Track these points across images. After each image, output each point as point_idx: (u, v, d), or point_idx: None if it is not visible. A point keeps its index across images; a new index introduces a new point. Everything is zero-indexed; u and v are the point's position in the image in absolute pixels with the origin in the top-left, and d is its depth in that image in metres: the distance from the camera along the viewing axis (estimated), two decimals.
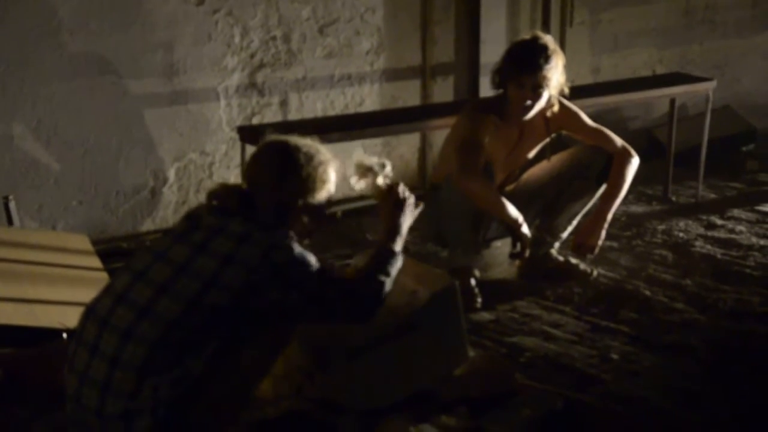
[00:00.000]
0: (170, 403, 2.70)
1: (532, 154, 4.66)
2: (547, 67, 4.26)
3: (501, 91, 4.44)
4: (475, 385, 3.53)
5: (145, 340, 2.70)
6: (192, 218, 2.95)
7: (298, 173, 2.97)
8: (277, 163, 2.98)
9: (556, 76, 4.31)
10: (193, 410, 2.74)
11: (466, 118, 4.46)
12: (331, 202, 3.14)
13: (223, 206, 2.93)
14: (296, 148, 3.00)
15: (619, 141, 4.59)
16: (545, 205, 4.66)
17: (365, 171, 3.26)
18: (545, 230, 4.70)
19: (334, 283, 2.94)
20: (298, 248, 2.85)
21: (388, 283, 3.04)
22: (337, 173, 3.09)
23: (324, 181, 3.03)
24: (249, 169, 3.07)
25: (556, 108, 4.48)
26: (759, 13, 7.43)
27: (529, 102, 4.32)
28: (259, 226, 2.84)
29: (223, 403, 2.82)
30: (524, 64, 4.29)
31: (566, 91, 4.45)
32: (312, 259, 2.88)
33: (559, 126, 4.58)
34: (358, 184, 3.23)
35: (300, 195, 2.99)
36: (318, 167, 3.01)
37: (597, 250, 4.55)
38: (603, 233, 4.51)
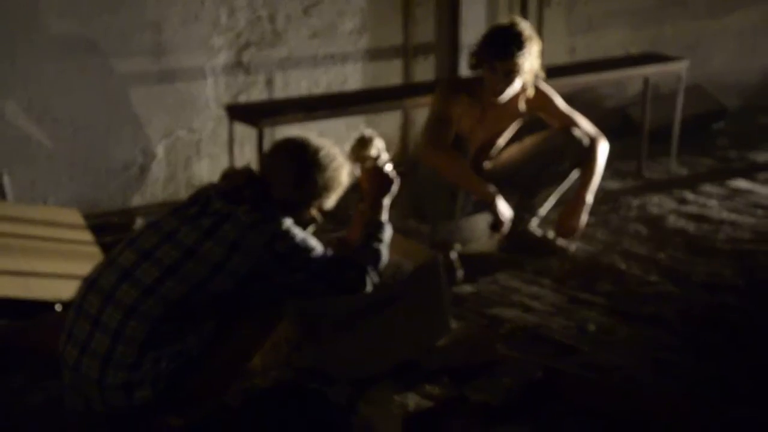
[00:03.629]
0: (169, 375, 2.71)
1: (508, 134, 4.65)
2: (520, 53, 4.23)
3: (478, 71, 4.43)
4: (457, 355, 3.54)
5: (149, 317, 2.71)
6: (199, 200, 2.93)
7: (316, 178, 2.99)
8: (297, 165, 2.98)
9: (529, 62, 4.29)
10: (189, 382, 2.74)
11: (437, 95, 4.46)
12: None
13: (233, 192, 2.91)
14: (316, 151, 3.00)
15: (590, 126, 4.59)
16: (522, 185, 4.65)
17: (363, 155, 3.27)
18: (523, 208, 4.70)
19: (336, 260, 2.98)
20: (299, 235, 2.88)
21: (384, 250, 3.11)
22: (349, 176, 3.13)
23: (339, 185, 3.07)
24: (268, 162, 3.06)
25: (530, 92, 4.48)
26: None
27: (500, 86, 4.32)
28: (264, 216, 2.84)
29: (217, 376, 2.81)
30: (498, 49, 4.27)
31: (541, 75, 4.44)
32: (313, 243, 2.91)
33: (534, 108, 4.57)
34: (355, 169, 3.24)
35: (316, 197, 3.02)
36: (335, 172, 3.03)
37: (579, 233, 4.55)
38: (584, 216, 4.51)
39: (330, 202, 3.08)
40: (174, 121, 5.20)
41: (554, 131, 4.60)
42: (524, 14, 6.25)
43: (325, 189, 3.02)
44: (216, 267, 2.76)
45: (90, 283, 2.84)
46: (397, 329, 3.45)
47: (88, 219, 4.62)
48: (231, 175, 2.99)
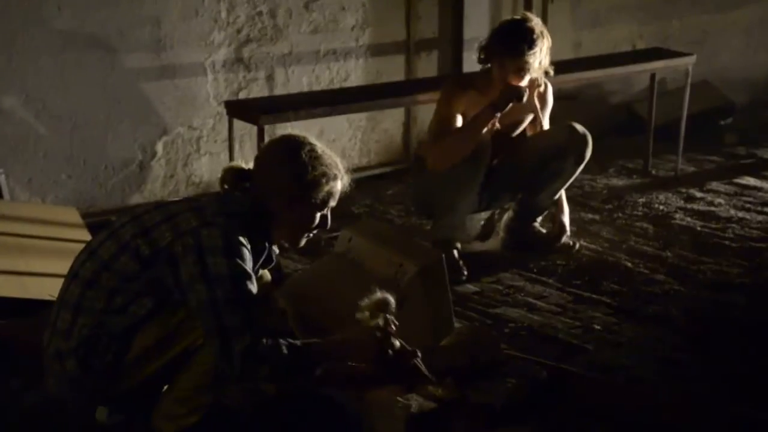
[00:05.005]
0: (90, 347, 2.69)
1: (521, 128, 4.62)
2: (530, 52, 4.24)
3: (487, 66, 4.43)
4: (460, 355, 3.52)
5: (83, 280, 2.74)
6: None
7: (305, 180, 2.88)
8: (288, 166, 2.89)
9: (539, 59, 4.29)
10: (113, 359, 2.71)
11: (442, 94, 4.46)
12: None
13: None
14: (312, 149, 2.91)
15: None
16: (525, 184, 4.63)
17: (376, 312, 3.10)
18: (527, 205, 4.68)
19: (242, 312, 2.69)
20: (230, 239, 2.72)
21: (280, 370, 2.75)
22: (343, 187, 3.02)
23: (331, 195, 2.97)
24: (260, 159, 2.98)
25: (542, 88, 4.48)
26: None
27: (509, 81, 4.31)
28: (216, 203, 2.80)
29: (146, 358, 2.75)
30: (508, 46, 4.27)
31: (551, 72, 4.44)
32: (244, 282, 2.71)
33: (539, 105, 4.58)
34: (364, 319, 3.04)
35: (303, 200, 2.91)
36: (330, 181, 2.93)
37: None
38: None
39: (319, 209, 2.97)
40: (173, 117, 5.19)
41: (558, 126, 4.59)
42: (528, 9, 6.23)
43: (311, 191, 2.91)
44: (143, 231, 2.75)
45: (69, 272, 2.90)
46: (400, 329, 3.44)
47: (86, 217, 4.61)
48: (224, 176, 2.95)
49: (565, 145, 4.52)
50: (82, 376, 2.71)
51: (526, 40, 4.23)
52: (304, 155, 2.88)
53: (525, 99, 4.33)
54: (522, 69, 4.27)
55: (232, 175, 2.93)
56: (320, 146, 2.95)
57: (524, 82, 4.32)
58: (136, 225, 2.77)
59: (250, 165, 2.98)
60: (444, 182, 4.34)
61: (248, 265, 2.73)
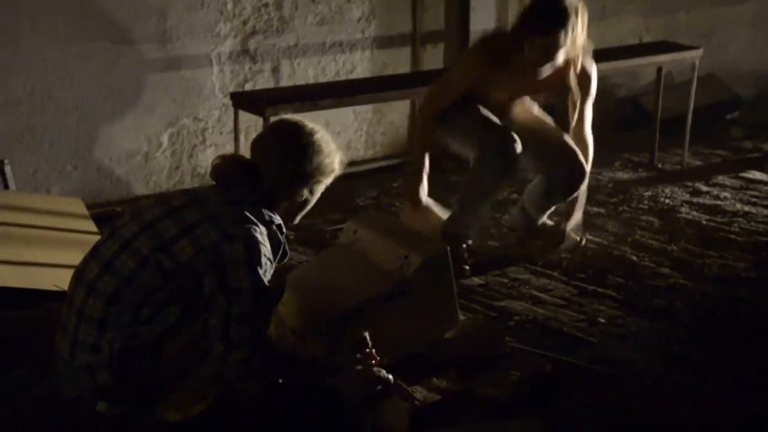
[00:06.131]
0: (125, 360, 2.68)
1: (544, 99, 4.61)
2: (562, 30, 4.10)
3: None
4: (465, 348, 3.54)
5: (104, 294, 2.71)
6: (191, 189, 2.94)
7: (306, 159, 2.89)
8: (288, 146, 2.90)
9: (570, 38, 4.15)
10: (141, 367, 2.70)
11: (466, 60, 4.47)
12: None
13: (223, 181, 2.88)
14: (311, 133, 2.92)
15: (589, 130, 4.56)
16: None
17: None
18: (534, 209, 4.65)
19: (250, 326, 2.72)
20: (253, 251, 2.71)
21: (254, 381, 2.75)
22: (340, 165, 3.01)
23: (332, 171, 2.97)
24: (258, 144, 2.97)
25: (578, 68, 4.38)
26: None
27: (540, 61, 4.21)
28: (232, 210, 2.76)
29: (178, 361, 2.76)
30: (539, 24, 4.14)
31: (589, 48, 4.38)
32: (266, 273, 2.74)
33: (575, 84, 4.47)
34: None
35: (305, 180, 2.92)
36: (327, 157, 2.94)
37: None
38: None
39: (318, 186, 2.97)
40: (179, 109, 5.20)
41: (560, 148, 4.45)
42: None
43: (315, 172, 2.92)
44: (162, 245, 2.70)
45: (75, 273, 2.86)
46: (405, 321, 3.45)
47: (91, 209, 4.62)
48: (221, 165, 2.91)
49: (558, 178, 4.45)
50: (117, 387, 2.71)
51: (558, 17, 4.10)
52: (304, 139, 2.90)
53: (544, 75, 4.27)
54: (552, 47, 4.15)
55: (236, 167, 2.91)
56: (318, 129, 2.96)
57: (557, 61, 4.22)
58: (153, 237, 2.72)
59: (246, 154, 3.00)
60: (472, 183, 4.33)
61: (268, 275, 2.75)
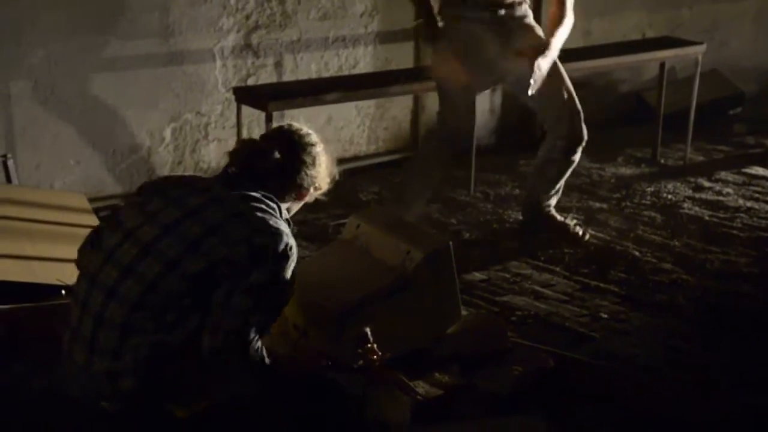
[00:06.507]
0: (151, 366, 2.66)
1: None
2: None
3: None
4: (467, 343, 3.53)
5: (127, 300, 2.67)
6: (190, 185, 2.91)
7: (306, 155, 2.96)
8: (293, 147, 2.96)
9: None
10: (172, 373, 2.70)
11: None
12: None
13: (234, 174, 2.89)
14: (307, 134, 3.01)
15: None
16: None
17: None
18: (539, 187, 4.70)
19: (267, 314, 2.78)
20: (287, 240, 2.76)
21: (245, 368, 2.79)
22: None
23: (325, 175, 3.03)
24: (266, 144, 2.99)
25: None
26: None
27: None
28: (253, 206, 2.78)
29: (207, 367, 2.77)
30: None
31: None
32: (294, 261, 2.78)
33: None
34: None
35: (304, 180, 2.96)
36: (323, 160, 3.01)
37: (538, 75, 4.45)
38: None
39: (317, 181, 3.01)
40: (182, 104, 5.20)
41: (561, 108, 4.56)
42: None
43: (313, 166, 2.97)
44: (190, 246, 2.69)
45: (81, 271, 2.85)
46: (407, 316, 3.45)
47: (94, 203, 4.63)
48: (240, 152, 2.93)
49: (561, 140, 4.56)
50: (141, 392, 2.69)
51: None
52: (313, 156, 2.97)
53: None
54: None
55: (251, 154, 2.93)
56: (322, 146, 3.03)
57: None
58: (179, 239, 2.70)
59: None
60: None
61: (295, 265, 2.79)
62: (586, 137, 4.57)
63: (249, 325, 2.70)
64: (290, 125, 3.08)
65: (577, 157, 4.62)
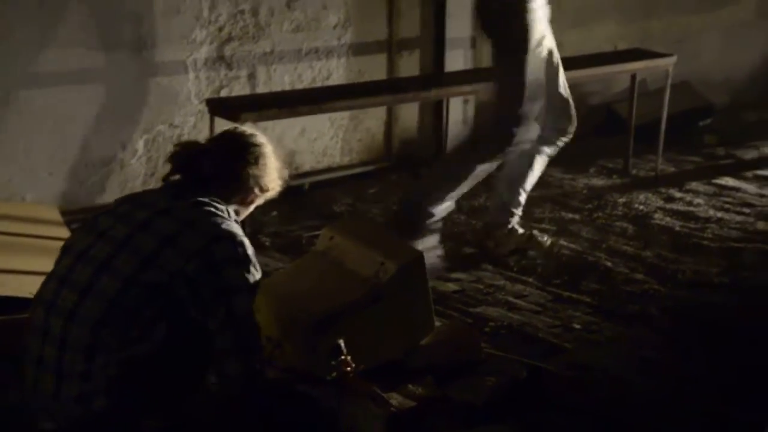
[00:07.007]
0: (122, 382, 2.64)
1: None
2: None
3: None
4: (441, 354, 3.54)
5: (88, 320, 2.64)
6: (135, 201, 2.90)
7: (252, 158, 2.95)
8: (237, 147, 2.96)
9: None
10: (149, 388, 2.68)
11: None
12: (298, 175, 3.11)
13: (177, 183, 2.87)
14: (253, 135, 3.00)
15: None
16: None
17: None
18: (509, 189, 4.71)
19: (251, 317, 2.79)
20: (243, 245, 2.76)
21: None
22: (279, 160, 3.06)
23: (272, 172, 3.01)
24: (211, 147, 3.00)
25: None
26: None
27: None
28: (206, 213, 2.77)
29: (180, 379, 2.76)
30: None
31: None
32: (255, 264, 2.78)
33: None
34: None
35: (251, 179, 2.95)
36: (268, 158, 2.99)
37: None
38: None
39: (266, 180, 3.00)
40: (155, 115, 5.18)
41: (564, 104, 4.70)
42: None
43: (259, 166, 2.96)
44: (146, 260, 2.67)
45: (36, 298, 2.80)
46: (381, 327, 3.45)
47: (66, 215, 4.60)
48: (179, 155, 2.91)
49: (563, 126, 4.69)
50: (114, 411, 2.66)
51: None
52: (256, 155, 2.95)
53: None
54: None
55: (190, 160, 2.90)
56: (268, 146, 3.01)
57: None
58: (133, 254, 2.68)
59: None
60: None
61: (257, 268, 2.79)
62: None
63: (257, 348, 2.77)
64: (236, 128, 3.08)
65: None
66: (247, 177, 2.94)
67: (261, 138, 3.01)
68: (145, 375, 2.67)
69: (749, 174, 6.04)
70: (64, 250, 2.83)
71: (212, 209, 2.79)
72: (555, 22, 6.56)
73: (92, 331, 2.63)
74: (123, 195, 4.54)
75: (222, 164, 2.90)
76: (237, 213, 2.97)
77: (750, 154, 6.51)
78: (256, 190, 2.98)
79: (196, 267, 2.67)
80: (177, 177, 2.91)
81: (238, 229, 2.79)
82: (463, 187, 4.53)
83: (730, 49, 7.65)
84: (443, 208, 4.53)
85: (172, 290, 2.67)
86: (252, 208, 3.05)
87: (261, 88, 5.46)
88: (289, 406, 2.88)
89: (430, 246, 4.43)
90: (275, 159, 3.01)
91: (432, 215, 4.50)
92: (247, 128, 3.06)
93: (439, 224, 4.56)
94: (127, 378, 2.65)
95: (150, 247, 2.68)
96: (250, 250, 2.77)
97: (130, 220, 2.77)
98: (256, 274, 2.78)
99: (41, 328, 2.71)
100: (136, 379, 2.66)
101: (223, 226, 2.75)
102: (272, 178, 3.00)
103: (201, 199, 2.81)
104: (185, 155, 2.90)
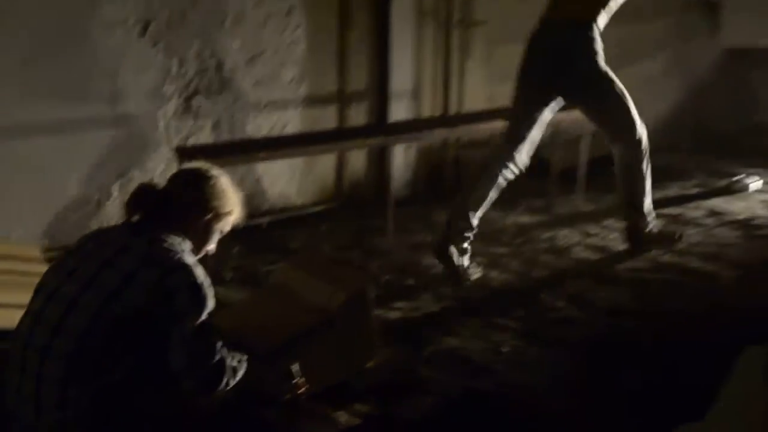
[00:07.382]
0: (96, 409, 2.61)
1: None
2: None
3: None
4: (383, 376, 3.56)
5: (61, 355, 2.60)
6: (99, 238, 2.87)
7: (208, 187, 2.90)
8: (192, 180, 2.92)
9: None
10: (121, 416, 2.66)
11: None
12: (258, 215, 3.08)
13: (137, 221, 2.84)
14: (207, 170, 2.95)
15: None
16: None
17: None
18: (459, 218, 4.76)
19: (207, 334, 2.75)
20: (194, 277, 2.71)
21: (230, 379, 2.86)
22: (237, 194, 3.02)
23: (233, 211, 2.97)
24: (171, 183, 2.95)
25: None
26: (620, 51, 7.56)
27: None
28: (160, 250, 2.73)
29: (151, 406, 2.73)
30: None
31: None
32: (209, 294, 2.74)
33: None
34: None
35: (209, 207, 2.90)
36: (224, 186, 2.94)
37: None
38: None
39: (224, 214, 2.94)
40: (128, 161, 5.18)
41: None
42: (448, 65, 6.33)
43: (216, 199, 2.91)
44: (111, 295, 2.63)
45: (14, 337, 2.76)
46: (332, 352, 3.47)
47: (48, 252, 4.56)
48: (137, 197, 2.86)
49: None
50: None
51: None
52: (212, 184, 2.91)
53: None
54: None
55: (148, 199, 2.86)
56: (223, 177, 2.97)
57: None
58: (99, 291, 2.64)
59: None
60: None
61: (211, 294, 2.74)
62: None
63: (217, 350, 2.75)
64: (189, 164, 3.02)
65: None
66: (206, 207, 2.88)
67: (214, 170, 2.95)
68: (117, 401, 2.65)
69: (658, 211, 6.10)
70: (37, 291, 2.79)
71: (166, 245, 2.75)
72: (486, 77, 6.69)
73: (66, 365, 2.60)
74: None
75: (179, 194, 2.85)
76: (198, 247, 2.91)
77: (658, 194, 6.59)
78: (214, 213, 2.90)
79: (153, 299, 2.64)
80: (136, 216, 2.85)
81: (191, 260, 2.74)
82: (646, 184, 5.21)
83: (649, 98, 7.76)
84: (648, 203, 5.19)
85: (137, 323, 2.64)
86: (214, 238, 2.96)
87: (224, 137, 5.47)
88: (241, 427, 2.87)
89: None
90: (230, 187, 2.95)
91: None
92: (199, 163, 2.99)
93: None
94: (100, 405, 2.62)
95: (114, 284, 2.64)
96: (202, 279, 2.71)
97: (96, 258, 2.72)
98: (209, 301, 2.72)
99: (19, 362, 2.68)
100: (109, 406, 2.64)
101: (176, 258, 2.70)
102: (230, 201, 2.93)
103: (157, 235, 2.77)
104: (142, 197, 2.84)
